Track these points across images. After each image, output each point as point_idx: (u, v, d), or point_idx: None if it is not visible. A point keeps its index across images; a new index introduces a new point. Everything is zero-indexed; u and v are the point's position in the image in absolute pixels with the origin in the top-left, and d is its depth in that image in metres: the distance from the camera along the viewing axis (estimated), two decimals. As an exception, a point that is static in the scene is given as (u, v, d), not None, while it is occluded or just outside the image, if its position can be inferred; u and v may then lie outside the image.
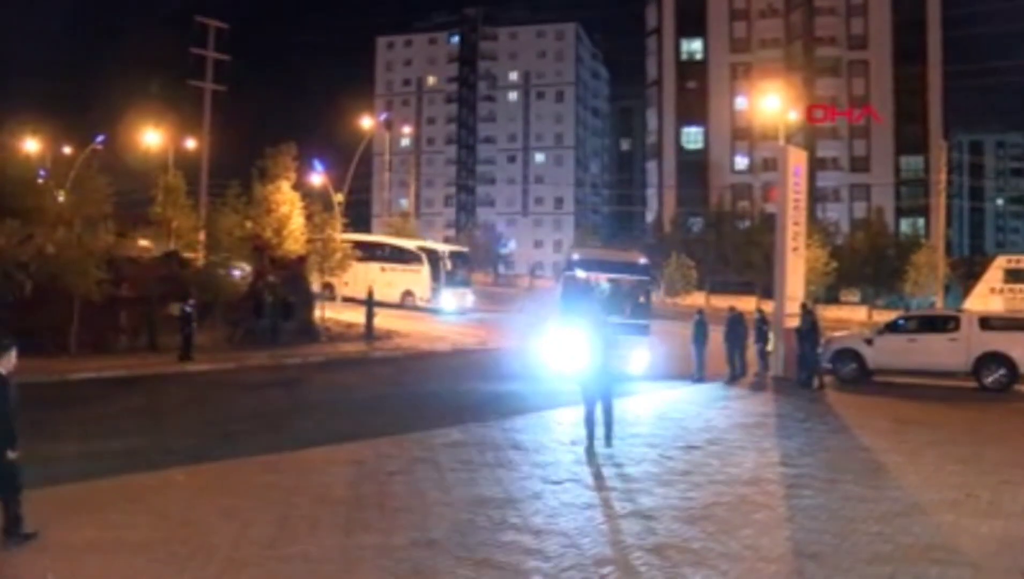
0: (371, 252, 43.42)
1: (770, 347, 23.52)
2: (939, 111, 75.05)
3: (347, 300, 39.23)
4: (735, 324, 23.26)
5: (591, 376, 12.90)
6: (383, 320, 32.60)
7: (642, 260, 24.98)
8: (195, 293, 25.49)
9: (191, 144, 46.02)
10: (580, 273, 23.56)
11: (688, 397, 19.00)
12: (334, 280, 39.30)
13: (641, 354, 22.32)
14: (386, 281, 41.78)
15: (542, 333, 23.67)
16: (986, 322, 22.09)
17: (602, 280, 23.66)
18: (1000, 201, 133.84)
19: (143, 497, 9.46)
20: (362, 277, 40.30)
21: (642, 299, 23.81)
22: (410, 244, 46.08)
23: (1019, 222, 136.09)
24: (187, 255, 32.22)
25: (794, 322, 22.53)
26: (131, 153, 45.54)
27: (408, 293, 42.46)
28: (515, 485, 10.42)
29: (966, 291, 45.52)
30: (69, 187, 28.92)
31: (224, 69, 37.25)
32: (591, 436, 12.66)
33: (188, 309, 23.98)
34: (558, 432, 14.68)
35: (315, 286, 39.97)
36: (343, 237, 47.62)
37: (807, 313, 22.21)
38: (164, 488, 9.96)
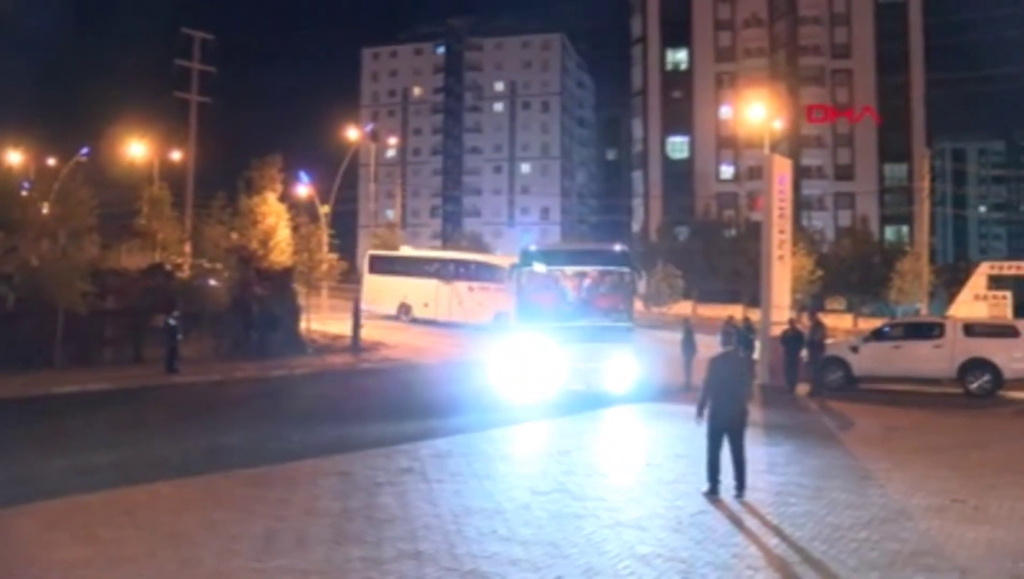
0: (456, 270, 40.71)
1: (756, 355, 23.61)
2: (922, 119, 75.58)
3: (426, 322, 37.77)
4: (725, 333, 23.36)
5: (719, 412, 10.49)
6: (370, 331, 32.54)
7: (618, 247, 21.05)
8: (181, 305, 25.42)
9: (176, 156, 45.96)
10: (540, 267, 19.70)
11: (675, 406, 18.84)
12: (410, 300, 38.34)
13: (625, 366, 19.06)
14: (475, 301, 38.53)
15: (497, 343, 20.89)
16: (970, 328, 22.26)
17: (569, 274, 20.14)
18: (983, 208, 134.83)
19: (130, 511, 9.41)
20: (446, 297, 38.16)
21: (622, 296, 20.00)
22: (502, 261, 42.37)
23: (1001, 229, 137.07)
24: (178, 260, 32.18)
25: (779, 330, 22.67)
26: (116, 165, 45.38)
27: (502, 314, 39.12)
28: (502, 496, 10.41)
29: (950, 298, 45.76)
30: (53, 199, 28.80)
31: (210, 81, 37.28)
32: (714, 481, 10.44)
33: (173, 321, 23.90)
34: (546, 443, 14.70)
35: (391, 308, 39.33)
36: (422, 254, 46.11)
37: (817, 324, 22.58)
38: (151, 502, 9.92)
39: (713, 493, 10.34)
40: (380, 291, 41.02)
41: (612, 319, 19.47)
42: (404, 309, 39.37)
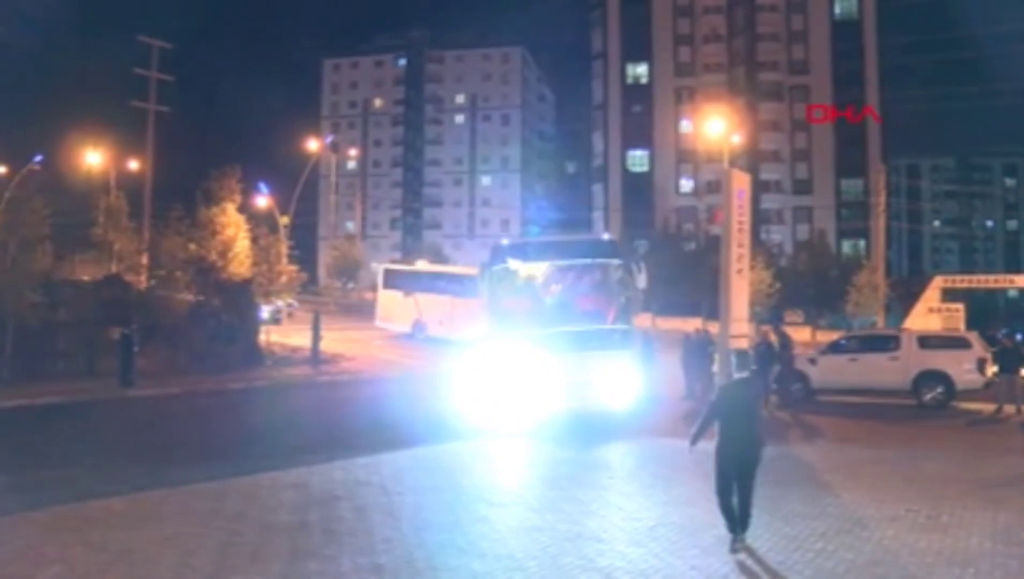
0: (473, 286, 37.78)
1: (715, 367, 23.72)
2: (877, 135, 76.93)
3: (441, 341, 35.42)
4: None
5: (732, 448, 8.83)
6: (330, 343, 32.28)
7: (606, 236, 18.40)
8: (137, 317, 25.04)
9: (134, 165, 45.37)
10: (515, 264, 16.90)
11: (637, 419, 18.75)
12: (425, 317, 36.97)
13: (626, 379, 16.23)
14: None
15: (465, 355, 18.67)
16: (925, 341, 22.56)
17: (549, 271, 17.10)
18: (936, 223, 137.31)
19: (80, 528, 9.22)
20: (461, 314, 34.63)
21: (615, 294, 16.80)
22: None
23: (953, 243, 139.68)
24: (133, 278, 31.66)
25: (739, 343, 22.80)
26: (72, 174, 44.72)
27: None
28: (461, 508, 10.37)
29: (906, 311, 46.44)
30: (3, 207, 28.31)
31: (168, 90, 36.93)
32: (733, 529, 8.76)
33: (129, 333, 23.52)
34: (505, 456, 14.66)
35: (406, 326, 37.88)
36: (437, 269, 43.82)
37: (786, 337, 22.89)
38: (103, 518, 9.72)
39: (739, 540, 8.74)
40: (394, 307, 39.56)
41: (603, 322, 16.60)
42: (419, 326, 37.88)
